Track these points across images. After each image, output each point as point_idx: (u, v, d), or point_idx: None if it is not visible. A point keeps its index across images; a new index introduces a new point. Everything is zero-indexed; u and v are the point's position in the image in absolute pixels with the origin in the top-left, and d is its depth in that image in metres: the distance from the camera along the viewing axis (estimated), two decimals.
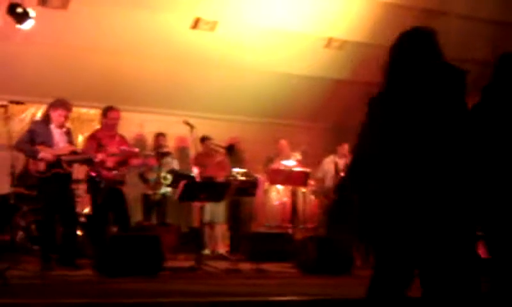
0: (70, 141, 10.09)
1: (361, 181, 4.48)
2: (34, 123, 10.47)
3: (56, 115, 9.91)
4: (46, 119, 10.05)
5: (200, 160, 12.00)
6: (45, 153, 9.63)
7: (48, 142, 9.77)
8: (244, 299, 7.14)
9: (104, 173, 10.26)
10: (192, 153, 13.19)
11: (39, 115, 12.59)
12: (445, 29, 14.46)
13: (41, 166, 9.67)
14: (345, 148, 13.11)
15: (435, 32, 4.63)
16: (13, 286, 7.55)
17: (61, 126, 9.99)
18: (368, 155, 4.44)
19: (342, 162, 12.98)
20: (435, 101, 4.28)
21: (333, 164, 13.05)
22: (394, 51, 4.60)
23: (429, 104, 4.27)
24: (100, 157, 10.13)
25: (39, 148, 9.65)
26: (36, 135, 9.75)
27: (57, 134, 9.93)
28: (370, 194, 4.39)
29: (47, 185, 9.71)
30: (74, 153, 10.05)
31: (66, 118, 10.09)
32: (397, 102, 4.38)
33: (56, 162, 9.71)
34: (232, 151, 12.22)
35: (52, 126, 9.90)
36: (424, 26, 4.69)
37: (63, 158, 9.78)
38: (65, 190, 9.90)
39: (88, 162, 10.30)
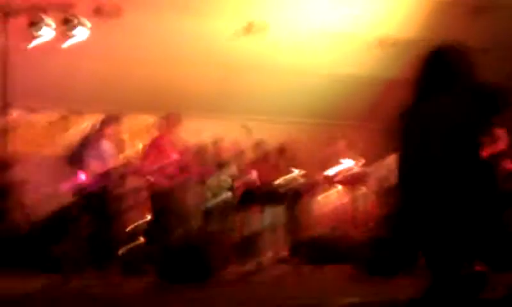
0: (119, 154, 10.22)
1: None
2: (86, 136, 10.56)
3: (109, 130, 10.07)
4: (97, 133, 10.19)
5: (256, 165, 12.02)
6: (94, 168, 9.77)
7: (98, 156, 9.91)
8: (305, 302, 7.16)
9: (163, 181, 10.40)
10: (248, 157, 13.22)
11: None
12: (496, 24, 14.36)
13: (89, 181, 9.83)
14: None
15: (468, 49, 4.67)
16: (72, 296, 7.67)
17: (112, 140, 10.15)
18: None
19: None
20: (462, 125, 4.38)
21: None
22: (427, 66, 4.65)
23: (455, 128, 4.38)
24: (146, 168, 10.29)
25: (89, 162, 9.79)
26: (88, 150, 9.89)
27: (109, 147, 10.07)
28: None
29: (94, 199, 9.87)
30: (124, 165, 10.17)
31: (118, 132, 10.27)
32: (425, 121, 4.49)
33: (105, 176, 9.86)
34: (283, 153, 12.26)
35: (104, 140, 10.05)
36: (458, 43, 4.71)
37: (112, 172, 9.92)
38: (110, 203, 10.05)
39: (137, 173, 10.47)
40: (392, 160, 13.22)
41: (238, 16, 13.36)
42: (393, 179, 12.44)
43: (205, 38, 13.25)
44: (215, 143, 13.35)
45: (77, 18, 11.22)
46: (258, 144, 12.52)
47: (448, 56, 4.63)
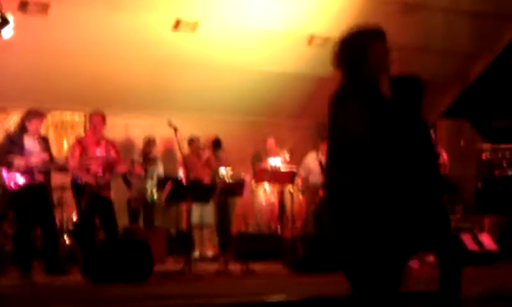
0: (46, 149, 10.01)
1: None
2: (8, 133, 10.33)
3: (32, 126, 9.86)
4: (21, 129, 9.98)
5: (187, 162, 11.95)
6: (18, 166, 9.58)
7: (22, 152, 9.70)
8: (234, 300, 7.11)
9: (88, 178, 10.24)
10: (178, 155, 13.13)
11: None
12: (427, 22, 14.52)
13: (13, 178, 9.65)
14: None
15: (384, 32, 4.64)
16: (2, 296, 7.52)
17: (36, 135, 9.94)
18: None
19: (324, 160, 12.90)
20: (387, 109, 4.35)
21: (318, 161, 12.69)
22: (347, 47, 4.60)
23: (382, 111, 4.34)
24: (73, 165, 10.15)
25: (13, 158, 9.60)
26: (11, 146, 9.69)
27: (32, 144, 9.86)
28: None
29: (20, 197, 9.69)
30: (49, 161, 9.98)
31: (41, 126, 10.10)
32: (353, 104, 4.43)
33: (29, 173, 9.67)
34: (218, 146, 12.22)
35: (27, 136, 9.84)
36: (376, 25, 4.69)
37: (36, 168, 9.73)
38: (41, 200, 9.85)
39: (62, 170, 10.31)
40: (312, 158, 13.23)
41: (169, 13, 13.26)
42: (317, 177, 12.45)
43: (135, 33, 13.12)
44: (144, 140, 13.25)
45: (1, 14, 10.91)
46: (188, 141, 12.46)
47: (356, 41, 4.59)
